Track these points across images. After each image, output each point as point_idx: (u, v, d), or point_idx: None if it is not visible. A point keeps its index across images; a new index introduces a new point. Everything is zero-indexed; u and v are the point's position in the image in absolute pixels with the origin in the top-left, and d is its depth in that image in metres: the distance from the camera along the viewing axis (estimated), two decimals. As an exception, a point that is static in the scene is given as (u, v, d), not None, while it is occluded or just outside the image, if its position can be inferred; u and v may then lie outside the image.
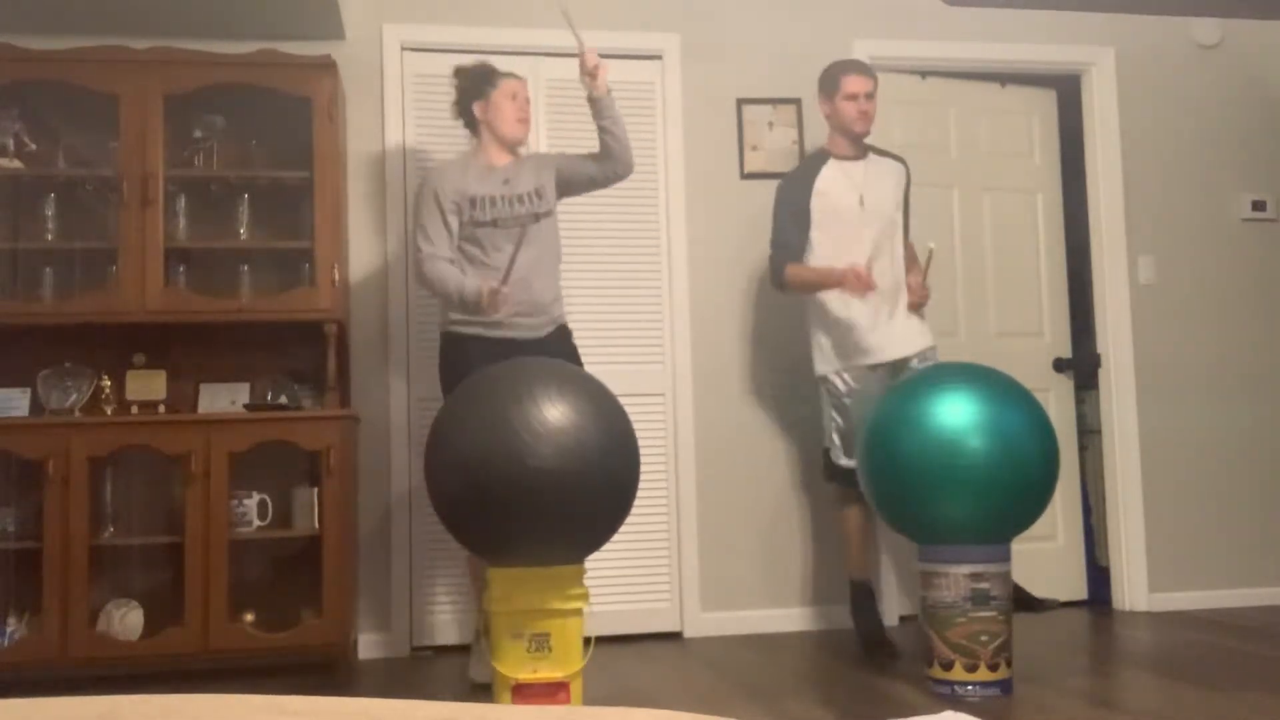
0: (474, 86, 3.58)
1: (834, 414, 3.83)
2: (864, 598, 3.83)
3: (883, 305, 3.74)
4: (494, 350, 3.36)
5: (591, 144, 3.66)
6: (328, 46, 4.08)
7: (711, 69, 4.46)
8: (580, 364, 3.60)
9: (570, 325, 3.66)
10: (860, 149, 3.87)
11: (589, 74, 3.50)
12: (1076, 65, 4.77)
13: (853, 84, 3.78)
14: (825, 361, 3.83)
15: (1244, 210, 4.80)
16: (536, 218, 3.51)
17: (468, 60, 3.69)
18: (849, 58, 4.18)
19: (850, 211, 3.78)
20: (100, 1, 3.78)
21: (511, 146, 3.59)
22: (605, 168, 3.61)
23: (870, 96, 3.79)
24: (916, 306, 3.81)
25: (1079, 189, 4.85)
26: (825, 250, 3.77)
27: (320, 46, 4.06)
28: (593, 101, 3.54)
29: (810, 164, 3.90)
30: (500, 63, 4.29)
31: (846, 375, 3.78)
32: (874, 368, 3.75)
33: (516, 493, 2.68)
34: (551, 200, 3.58)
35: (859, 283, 3.63)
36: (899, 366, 3.76)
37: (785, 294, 3.96)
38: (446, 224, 3.47)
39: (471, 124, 3.62)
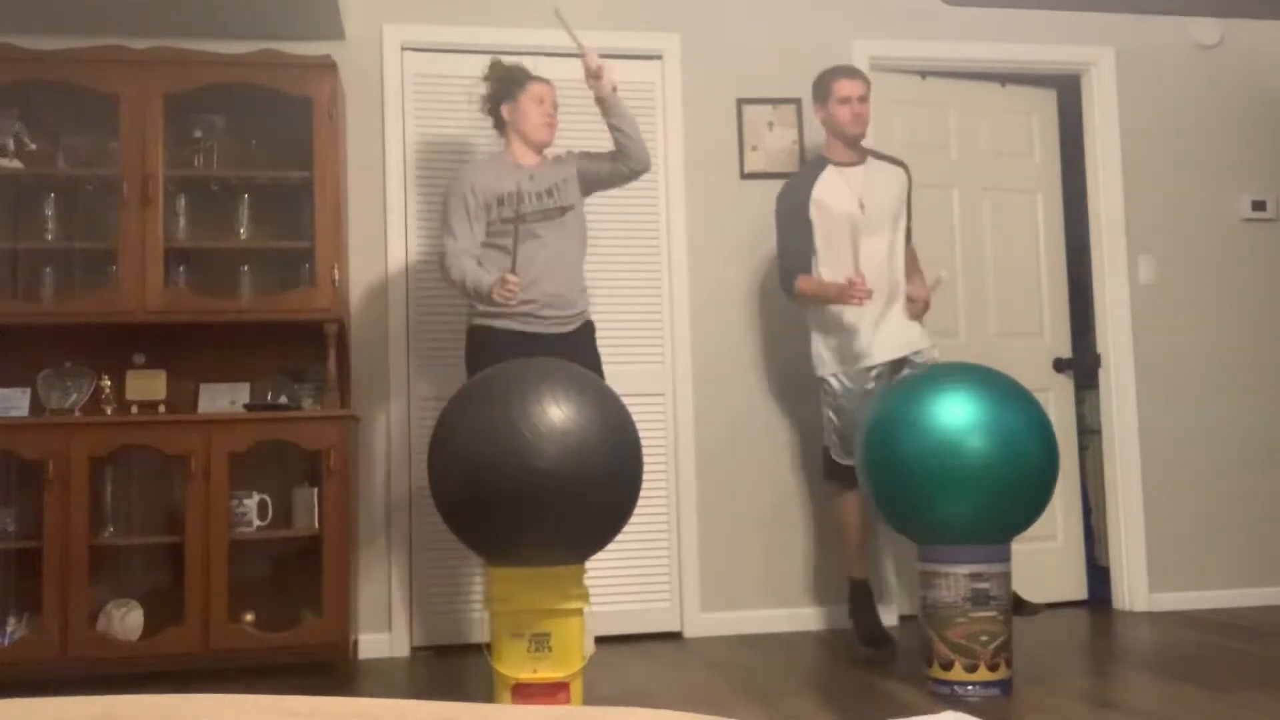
0: (503, 88, 3.65)
1: (831, 415, 3.87)
2: (863, 596, 3.85)
3: (878, 308, 3.76)
4: (518, 343, 3.44)
5: (595, 141, 3.68)
6: (328, 46, 4.08)
7: (711, 69, 4.46)
8: (600, 362, 3.67)
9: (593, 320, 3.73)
10: (859, 153, 3.88)
11: (593, 75, 3.56)
12: (1076, 65, 4.77)
13: (844, 88, 3.81)
14: (824, 364, 3.87)
15: (1244, 210, 4.80)
16: (562, 211, 3.58)
17: (505, 59, 3.73)
18: (845, 62, 4.21)
19: (851, 218, 3.79)
20: (100, 1, 3.77)
21: (537, 149, 3.64)
22: (620, 165, 3.65)
23: (863, 99, 3.82)
24: (916, 316, 3.82)
25: (1079, 189, 4.85)
26: (828, 257, 3.79)
27: (320, 46, 4.05)
28: (600, 102, 3.60)
29: (808, 171, 3.92)
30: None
31: (844, 377, 3.82)
32: (870, 369, 3.78)
33: (519, 494, 2.68)
34: (575, 195, 3.65)
35: (856, 293, 3.57)
36: (896, 367, 3.80)
37: (795, 303, 3.97)
38: (472, 221, 3.52)
39: (499, 124, 3.69)
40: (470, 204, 3.51)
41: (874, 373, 3.78)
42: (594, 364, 3.63)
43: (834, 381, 3.83)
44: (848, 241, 3.78)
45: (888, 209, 3.83)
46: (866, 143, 3.99)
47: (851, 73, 3.88)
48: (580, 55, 3.56)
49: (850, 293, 3.58)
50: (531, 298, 3.47)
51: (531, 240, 3.50)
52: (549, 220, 3.55)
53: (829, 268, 3.78)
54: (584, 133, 4.08)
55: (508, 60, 3.73)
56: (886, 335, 3.78)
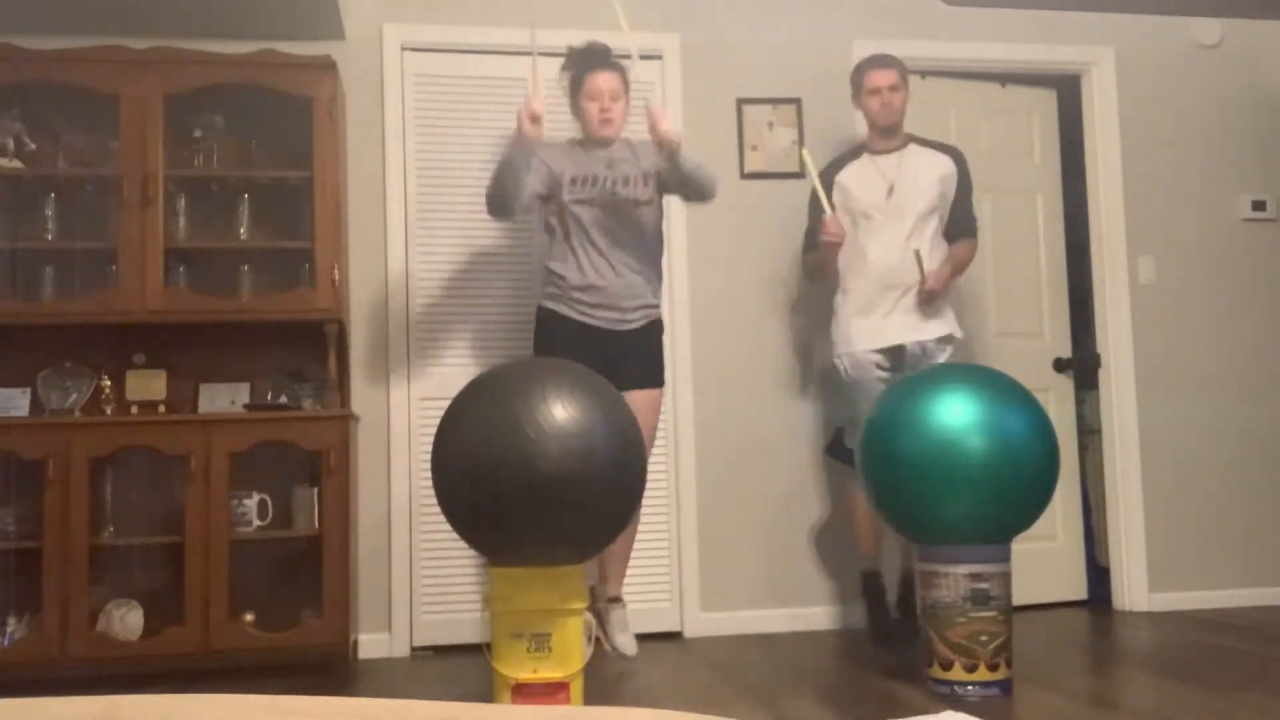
0: (571, 86, 3.68)
1: (839, 398, 3.96)
2: (876, 588, 3.87)
3: (892, 295, 3.79)
4: (577, 334, 3.52)
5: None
6: (328, 46, 4.08)
7: (711, 69, 4.46)
8: (659, 364, 3.71)
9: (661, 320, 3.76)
10: (898, 140, 3.91)
11: (658, 139, 3.44)
12: (1076, 65, 4.77)
13: (874, 79, 3.86)
14: (834, 346, 3.90)
15: (1244, 210, 4.80)
16: (636, 204, 3.56)
17: (577, 44, 3.72)
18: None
19: (875, 204, 3.83)
20: (100, 1, 3.77)
21: (603, 144, 3.63)
22: (685, 192, 3.62)
23: (895, 88, 3.85)
24: (924, 303, 3.79)
25: (1079, 189, 4.85)
26: (856, 241, 3.82)
27: (320, 46, 4.06)
28: (667, 160, 3.49)
29: (841, 158, 4.00)
30: (500, 63, 4.32)
31: (845, 360, 3.85)
32: (875, 352, 3.79)
33: (523, 493, 2.68)
34: (654, 191, 3.63)
35: (828, 234, 3.72)
36: (896, 355, 3.80)
37: (815, 282, 4.10)
38: (534, 176, 3.51)
39: (577, 115, 3.71)
40: (533, 164, 3.50)
41: (876, 359, 3.79)
42: (651, 365, 3.66)
43: (838, 364, 3.88)
44: (865, 226, 3.82)
45: (917, 196, 3.83)
46: (920, 131, 4.00)
47: (883, 62, 3.90)
48: (650, 116, 3.46)
49: (824, 230, 3.72)
50: (588, 296, 3.53)
51: (604, 231, 3.52)
52: (623, 209, 3.55)
53: (844, 251, 3.83)
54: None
55: (579, 45, 3.70)
56: (890, 320, 3.80)
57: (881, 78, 3.85)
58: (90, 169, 3.91)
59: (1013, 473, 3.03)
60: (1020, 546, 3.35)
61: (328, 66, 3.88)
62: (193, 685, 3.48)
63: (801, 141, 4.47)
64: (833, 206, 3.79)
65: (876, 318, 3.80)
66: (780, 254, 4.41)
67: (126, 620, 3.62)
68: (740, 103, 4.47)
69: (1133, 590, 4.59)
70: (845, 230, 3.75)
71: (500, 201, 3.49)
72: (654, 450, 4.22)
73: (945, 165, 3.91)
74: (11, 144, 3.83)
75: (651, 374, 3.68)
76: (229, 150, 4.02)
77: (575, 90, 3.67)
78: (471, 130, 4.26)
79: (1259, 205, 4.81)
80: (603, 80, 3.62)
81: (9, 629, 3.57)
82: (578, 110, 3.67)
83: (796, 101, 4.49)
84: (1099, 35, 4.75)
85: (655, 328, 3.71)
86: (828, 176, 3.93)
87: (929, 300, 3.78)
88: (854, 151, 3.98)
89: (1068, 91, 4.88)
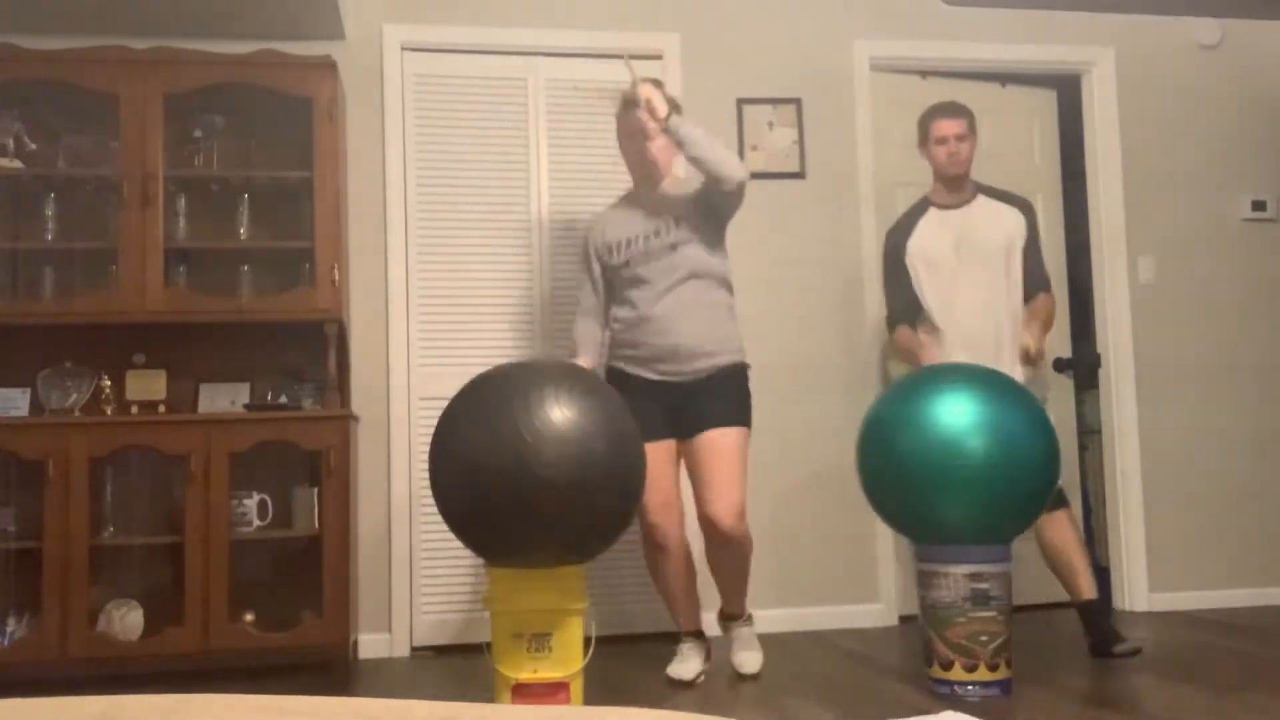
0: (617, 131, 3.54)
1: None
2: (1091, 612, 3.67)
3: (973, 353, 3.66)
4: (640, 389, 3.40)
5: (593, 140, 3.70)
6: (328, 46, 4.08)
7: (711, 69, 4.46)
8: (735, 403, 3.40)
9: (748, 362, 3.52)
10: (965, 193, 3.76)
11: (645, 111, 3.36)
12: (1076, 65, 4.77)
13: (941, 127, 3.73)
14: None
15: (1244, 210, 4.80)
16: (673, 247, 3.37)
17: (624, 85, 3.53)
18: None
19: (945, 261, 3.70)
20: (100, 1, 3.78)
21: (649, 185, 3.51)
22: (712, 186, 3.37)
23: (962, 138, 3.71)
24: (1027, 363, 3.66)
25: (1079, 189, 4.85)
26: (930, 301, 3.71)
27: (320, 46, 4.06)
28: (666, 135, 3.37)
29: (909, 217, 3.84)
30: (500, 63, 4.32)
31: None
32: None
33: (521, 497, 2.68)
34: (688, 230, 3.40)
35: (929, 360, 3.60)
36: None
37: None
38: (591, 274, 3.54)
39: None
40: (589, 256, 3.54)
41: None
42: (719, 405, 3.37)
43: None
44: (945, 288, 3.70)
45: (988, 251, 3.68)
46: (988, 179, 3.89)
47: (950, 111, 3.76)
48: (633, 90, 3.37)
49: (925, 358, 3.62)
50: (640, 354, 3.41)
51: (642, 288, 3.39)
52: (657, 261, 3.38)
53: (934, 314, 3.70)
54: (576, 134, 4.09)
55: (625, 85, 3.48)
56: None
57: (949, 126, 3.71)
58: (90, 169, 3.91)
59: (1013, 473, 3.03)
60: (1021, 546, 3.34)
61: (328, 66, 3.88)
62: (193, 685, 3.48)
63: (802, 142, 4.47)
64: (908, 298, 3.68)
65: None
66: (781, 253, 4.41)
67: (126, 620, 3.63)
68: (740, 103, 4.47)
69: (1133, 590, 4.59)
70: (940, 354, 3.60)
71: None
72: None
73: (1012, 217, 3.75)
74: (11, 144, 3.84)
75: (720, 414, 3.36)
76: (229, 150, 4.02)
77: (619, 138, 3.54)
78: (471, 130, 4.26)
79: (1259, 205, 4.81)
80: (633, 118, 3.43)
81: (9, 629, 3.57)
82: (623, 159, 3.56)
83: (796, 101, 4.49)
84: (1099, 35, 4.76)
85: (723, 374, 3.41)
86: (898, 241, 3.77)
87: (1033, 364, 3.66)
88: (920, 207, 3.82)
89: (1068, 91, 4.89)
